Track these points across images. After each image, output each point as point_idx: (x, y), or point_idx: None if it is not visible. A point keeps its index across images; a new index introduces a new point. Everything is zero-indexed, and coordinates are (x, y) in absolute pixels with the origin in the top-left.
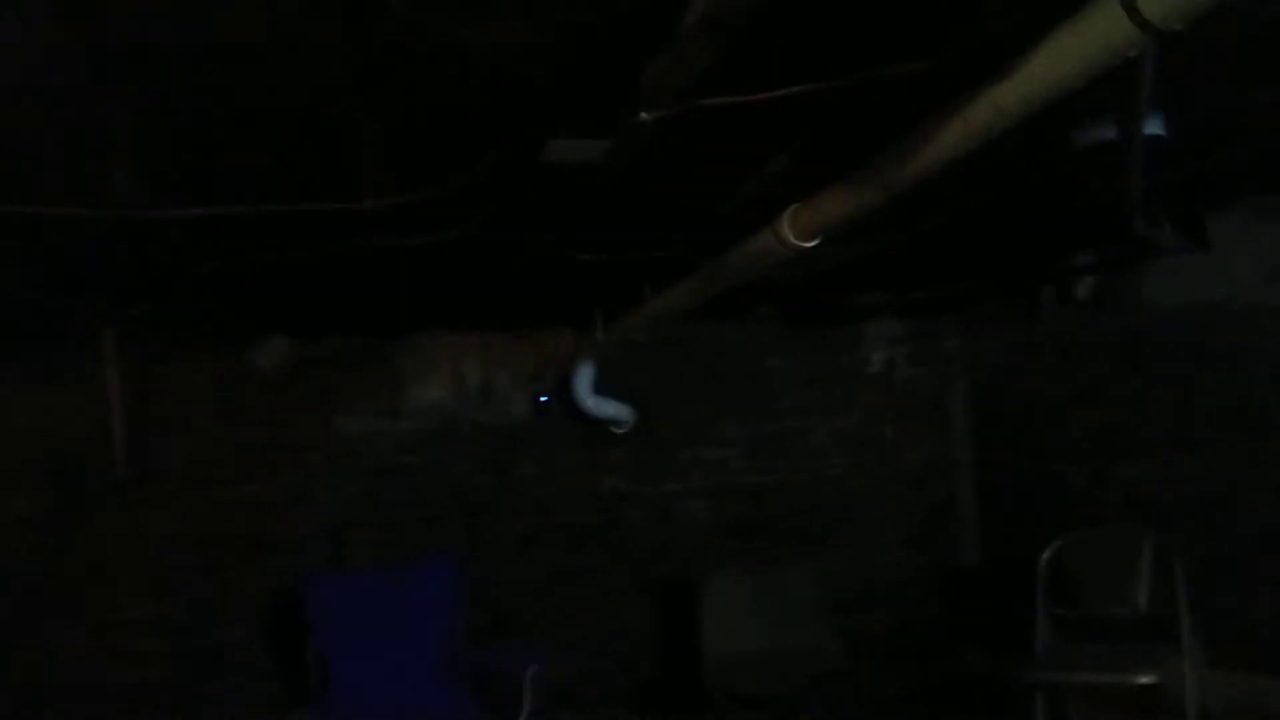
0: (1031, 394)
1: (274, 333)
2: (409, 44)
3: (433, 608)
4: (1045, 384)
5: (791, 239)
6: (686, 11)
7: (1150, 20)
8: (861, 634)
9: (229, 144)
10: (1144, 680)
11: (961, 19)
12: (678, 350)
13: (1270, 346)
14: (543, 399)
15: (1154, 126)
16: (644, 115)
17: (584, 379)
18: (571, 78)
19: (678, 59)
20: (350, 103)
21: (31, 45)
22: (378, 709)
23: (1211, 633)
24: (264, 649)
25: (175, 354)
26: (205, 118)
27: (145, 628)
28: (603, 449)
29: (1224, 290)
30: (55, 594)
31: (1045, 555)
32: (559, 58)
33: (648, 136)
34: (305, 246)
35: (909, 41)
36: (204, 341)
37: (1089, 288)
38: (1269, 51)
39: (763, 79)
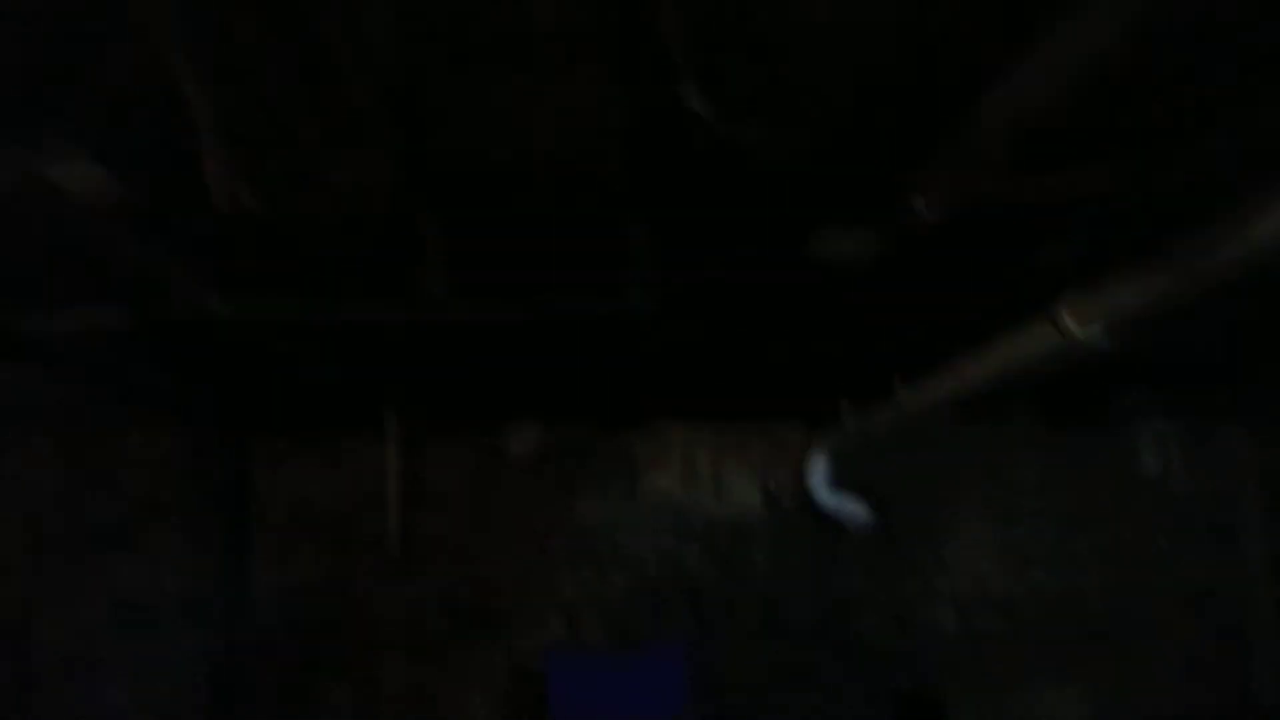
0: None
1: (526, 418)
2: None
3: (663, 692)
4: None
5: (1072, 328)
6: (983, 105)
7: None
8: None
9: (526, 249)
10: None
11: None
12: (921, 448)
13: None
14: (773, 491)
15: None
16: (920, 204)
17: (819, 472)
18: (844, 166)
19: (964, 150)
20: (626, 210)
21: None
22: None
23: None
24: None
25: (441, 439)
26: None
27: (402, 694)
28: (836, 545)
29: None
30: (324, 655)
31: None
32: (833, 151)
33: (925, 225)
34: (578, 347)
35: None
36: (465, 426)
37: None
38: None
39: (1047, 165)
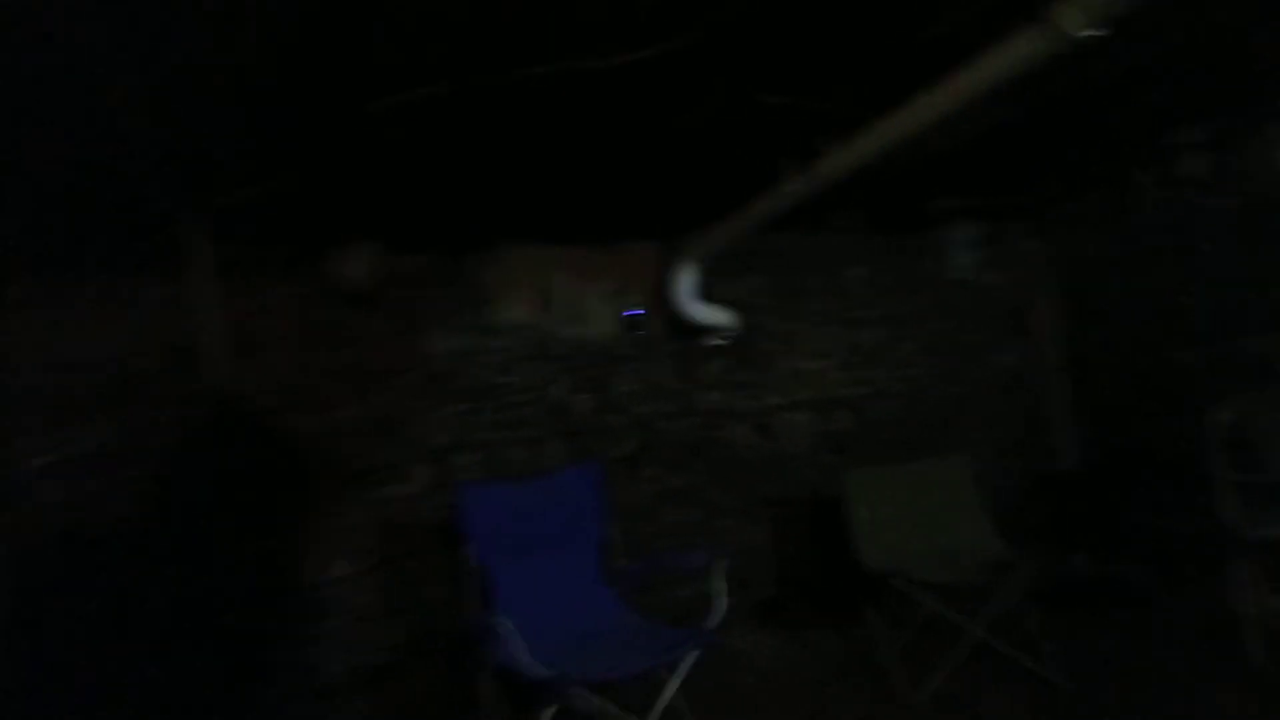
0: (1130, 284)
1: (357, 244)
2: None
3: (585, 514)
4: (1149, 271)
5: (1078, 26)
6: None
7: None
8: None
9: None
10: None
11: None
12: (762, 264)
13: None
14: (636, 315)
15: None
16: None
17: (686, 286)
18: None
19: None
20: None
21: None
22: (544, 618)
23: None
24: (376, 583)
25: (259, 272)
26: None
27: (242, 567)
28: (700, 364)
29: None
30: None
31: (1219, 419)
32: None
33: None
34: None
35: None
36: (286, 255)
37: (1204, 164)
38: None
39: None
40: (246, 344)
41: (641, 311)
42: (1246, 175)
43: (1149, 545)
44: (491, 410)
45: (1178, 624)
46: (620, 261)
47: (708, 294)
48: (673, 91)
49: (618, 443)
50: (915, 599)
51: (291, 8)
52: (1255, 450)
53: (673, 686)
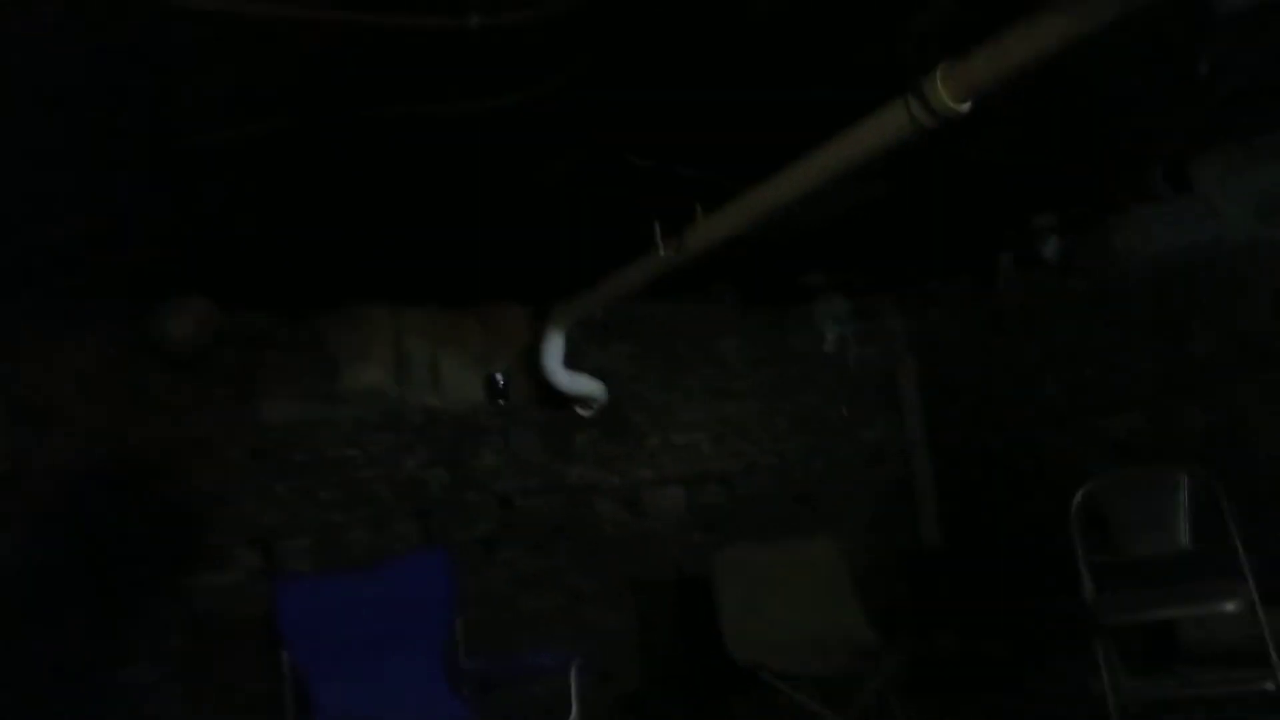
0: (991, 363)
1: (185, 295)
2: None
3: (426, 607)
4: (1009, 350)
5: (946, 100)
6: None
7: None
8: None
9: None
10: (1228, 608)
11: None
12: (636, 331)
13: (1269, 279)
14: (499, 380)
15: None
16: None
17: (554, 353)
18: None
19: None
20: None
21: None
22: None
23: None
24: (183, 690)
25: (66, 326)
26: None
27: (19, 674)
28: (567, 435)
29: (1211, 232)
30: None
31: (1076, 499)
32: None
33: None
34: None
35: None
36: (88, 305)
37: (1055, 249)
38: None
39: None
40: (37, 410)
41: (504, 380)
42: (1092, 261)
43: (1013, 625)
44: (333, 487)
45: (1044, 707)
46: (484, 325)
47: (577, 362)
48: (533, 143)
49: (474, 523)
50: (783, 692)
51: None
52: (1109, 530)
53: None
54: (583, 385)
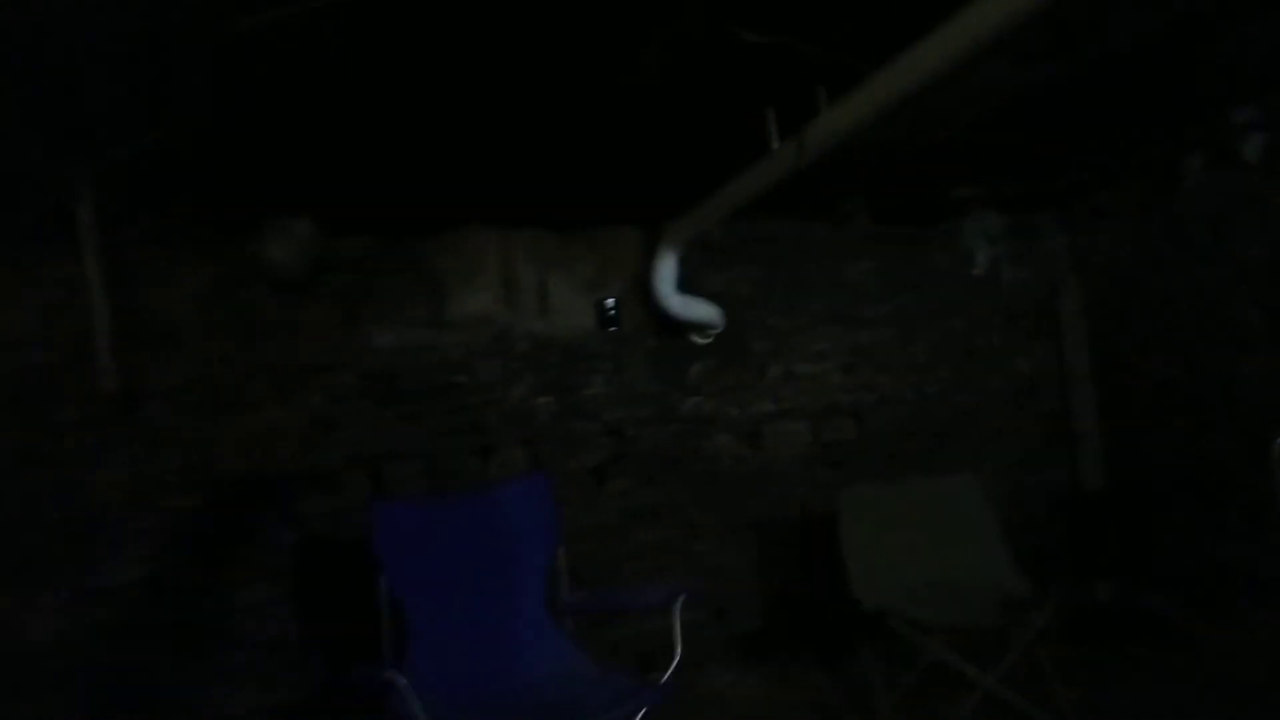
0: (1172, 284)
1: (289, 215)
2: None
3: (528, 535)
4: (1195, 269)
5: None
6: None
7: None
8: None
9: None
10: None
11: None
12: (758, 253)
13: None
14: (610, 307)
15: None
16: None
17: (666, 276)
18: None
19: None
20: None
21: None
22: (470, 665)
23: None
24: (289, 613)
25: (165, 246)
26: None
27: (135, 593)
28: (682, 364)
29: None
30: (24, 555)
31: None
32: None
33: None
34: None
35: None
36: (202, 229)
37: (1259, 146)
38: None
39: None
40: (149, 334)
41: (617, 305)
42: None
43: (1185, 576)
44: (441, 414)
45: (1216, 665)
46: (596, 248)
47: (693, 286)
48: (634, 18)
49: (584, 453)
50: (916, 641)
51: None
52: None
53: None
54: (698, 310)
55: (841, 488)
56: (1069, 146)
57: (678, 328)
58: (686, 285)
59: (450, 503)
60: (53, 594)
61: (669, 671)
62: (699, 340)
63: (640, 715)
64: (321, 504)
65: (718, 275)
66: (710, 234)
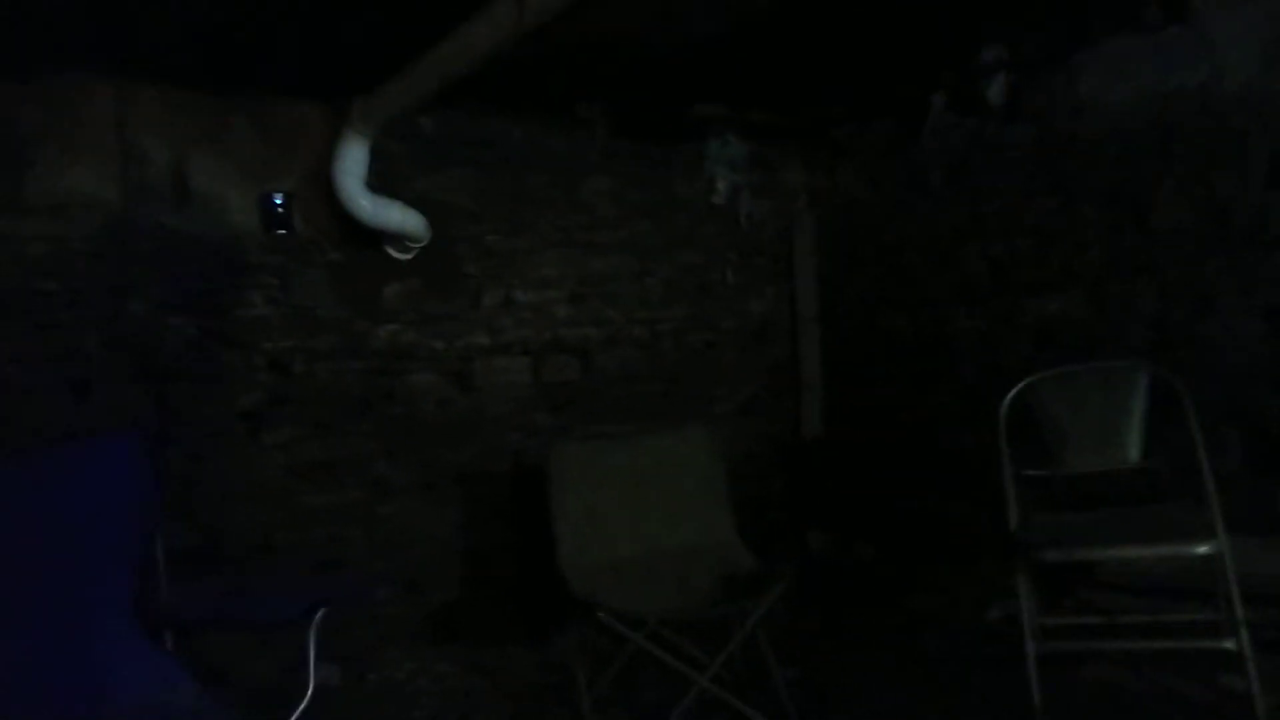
0: (907, 229)
1: None
2: None
3: (107, 521)
4: (930, 214)
5: None
6: None
7: None
8: None
9: None
10: (1201, 550)
11: None
12: (478, 156)
13: (1269, 139)
14: (279, 203)
15: None
16: None
17: (353, 169)
18: None
19: None
20: None
21: None
22: (22, 695)
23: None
24: None
25: None
26: None
27: None
28: (374, 285)
29: (1200, 76)
30: None
31: (1008, 399)
32: None
33: None
34: None
35: None
36: None
37: (1001, 89)
38: None
39: None
40: None
41: (288, 201)
42: (1045, 106)
43: (894, 531)
44: (16, 337)
45: (927, 627)
46: (261, 124)
47: (393, 187)
48: None
49: (234, 393)
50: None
51: None
52: (1041, 437)
53: None
54: (394, 217)
55: (563, 435)
56: (818, 76)
57: (371, 237)
58: (384, 185)
59: None
60: None
61: (298, 712)
62: (397, 255)
63: None
64: None
65: (426, 177)
66: (417, 122)
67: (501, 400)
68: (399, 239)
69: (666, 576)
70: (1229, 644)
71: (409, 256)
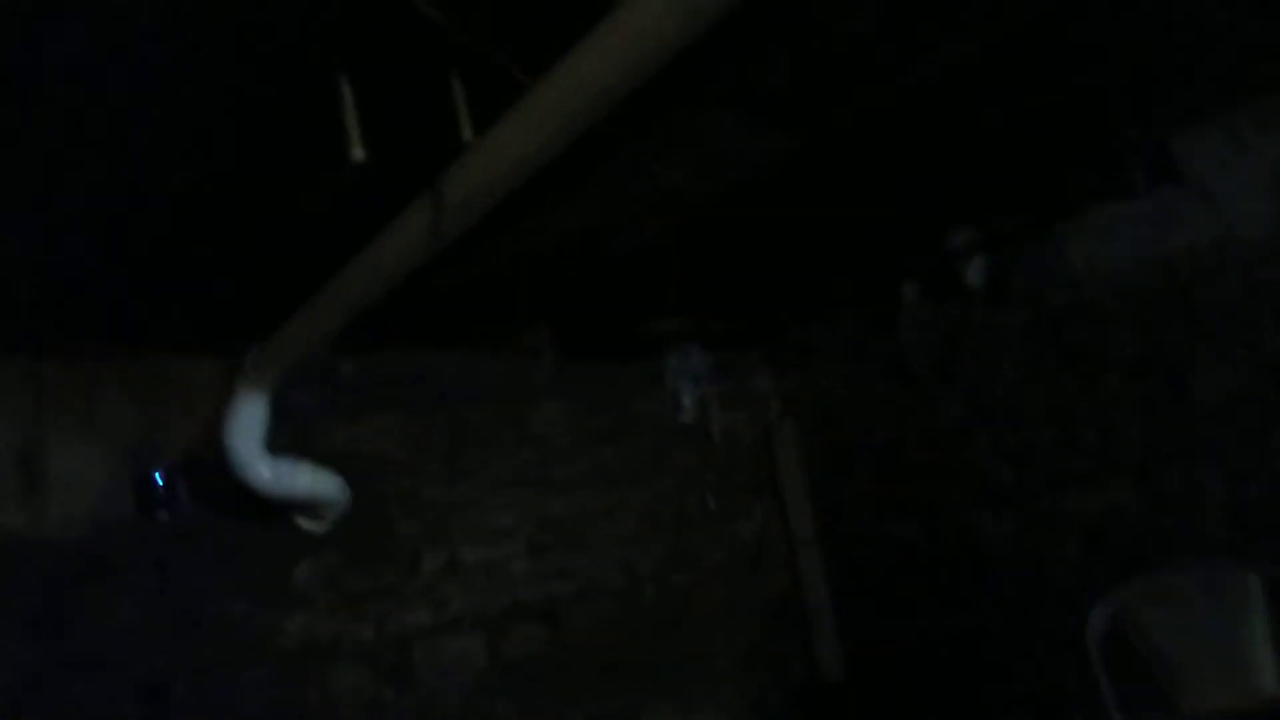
0: (899, 426)
1: None
2: None
3: None
4: (921, 409)
5: None
6: None
7: None
8: None
9: None
10: None
11: None
12: (407, 396)
13: None
14: (159, 480)
15: None
16: None
17: (249, 432)
18: None
19: None
20: None
21: None
22: None
23: None
24: None
25: None
26: None
27: None
28: (281, 565)
29: (1211, 230)
30: None
31: (1094, 620)
32: None
33: None
34: None
35: None
36: None
37: (982, 271)
38: None
39: None
40: None
41: (173, 475)
42: (1036, 283)
43: None
44: None
45: None
46: (137, 389)
47: (306, 444)
48: None
49: None
50: None
51: None
52: (1138, 667)
53: None
54: (301, 483)
55: None
56: (775, 274)
57: (274, 509)
58: (295, 443)
59: None
60: None
61: None
62: (308, 527)
63: None
64: None
65: (345, 428)
66: (334, 367)
67: (451, 693)
68: (309, 507)
69: None
70: None
71: (322, 527)
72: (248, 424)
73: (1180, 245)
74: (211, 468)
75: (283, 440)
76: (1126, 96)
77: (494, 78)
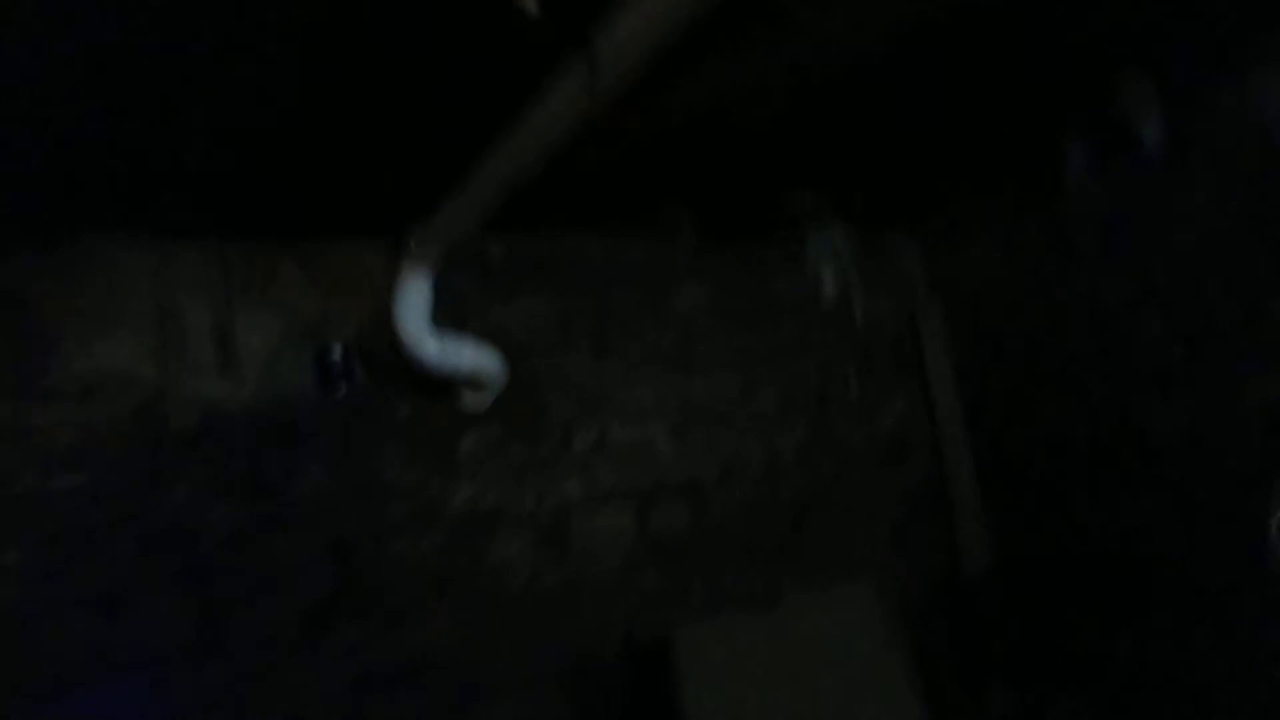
0: (1058, 308)
1: None
2: None
3: None
4: (1086, 288)
5: None
6: None
7: None
8: None
9: None
10: None
11: None
12: (554, 278)
13: None
14: (336, 357)
15: None
16: None
17: (415, 309)
18: None
19: None
20: None
21: None
22: None
23: None
24: None
25: None
26: None
27: None
28: (449, 437)
29: None
30: None
31: None
32: None
33: None
34: None
35: None
36: None
37: (1158, 130)
38: None
39: None
40: None
41: (346, 355)
42: (1222, 141)
43: (1103, 684)
44: (33, 547)
45: None
46: (313, 270)
47: (462, 325)
48: None
49: (288, 589)
50: None
51: None
52: None
53: None
54: (464, 358)
55: (678, 604)
56: (925, 143)
57: (439, 385)
58: (452, 323)
59: None
60: None
61: None
62: (471, 403)
63: None
64: None
65: (498, 308)
66: (484, 249)
67: (602, 563)
68: (473, 382)
69: None
70: None
71: (486, 401)
72: (415, 302)
73: None
74: (381, 345)
75: (442, 321)
76: None
77: None
